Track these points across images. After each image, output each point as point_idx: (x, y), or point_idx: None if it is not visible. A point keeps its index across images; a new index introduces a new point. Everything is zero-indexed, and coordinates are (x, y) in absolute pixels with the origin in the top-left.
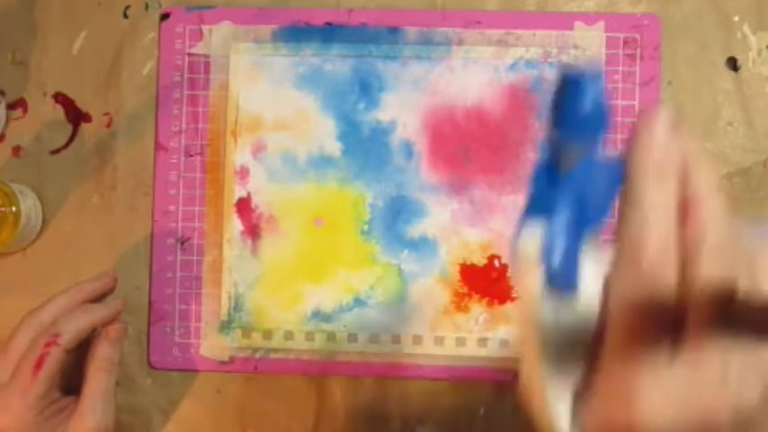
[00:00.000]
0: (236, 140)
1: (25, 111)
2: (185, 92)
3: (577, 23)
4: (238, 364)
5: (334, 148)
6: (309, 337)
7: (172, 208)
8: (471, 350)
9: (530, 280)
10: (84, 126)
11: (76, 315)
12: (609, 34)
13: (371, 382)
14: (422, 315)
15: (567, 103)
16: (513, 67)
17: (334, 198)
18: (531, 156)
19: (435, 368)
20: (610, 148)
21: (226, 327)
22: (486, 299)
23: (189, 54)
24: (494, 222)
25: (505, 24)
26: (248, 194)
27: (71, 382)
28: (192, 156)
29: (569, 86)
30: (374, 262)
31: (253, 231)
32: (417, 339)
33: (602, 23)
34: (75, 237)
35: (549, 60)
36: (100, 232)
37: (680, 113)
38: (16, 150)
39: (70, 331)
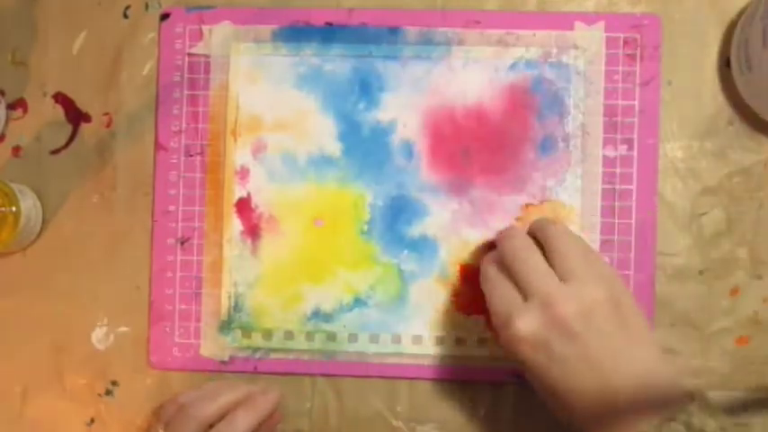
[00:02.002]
0: (236, 140)
1: (25, 111)
2: (185, 92)
3: (577, 23)
4: (238, 363)
5: (334, 148)
6: (309, 337)
7: (172, 208)
8: (471, 350)
9: None
10: (84, 126)
11: (248, 413)
12: (609, 34)
13: (371, 382)
14: (422, 315)
15: None
16: (512, 67)
17: (334, 198)
18: (531, 155)
19: (435, 368)
20: (610, 147)
21: (226, 327)
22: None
23: (189, 54)
24: (494, 222)
25: (505, 24)
26: (248, 194)
27: None
28: (191, 156)
29: None
30: (374, 262)
31: (253, 231)
32: (417, 339)
33: (602, 23)
34: (75, 237)
35: (549, 60)
36: (100, 232)
37: (680, 113)
38: (16, 150)
39: (243, 430)
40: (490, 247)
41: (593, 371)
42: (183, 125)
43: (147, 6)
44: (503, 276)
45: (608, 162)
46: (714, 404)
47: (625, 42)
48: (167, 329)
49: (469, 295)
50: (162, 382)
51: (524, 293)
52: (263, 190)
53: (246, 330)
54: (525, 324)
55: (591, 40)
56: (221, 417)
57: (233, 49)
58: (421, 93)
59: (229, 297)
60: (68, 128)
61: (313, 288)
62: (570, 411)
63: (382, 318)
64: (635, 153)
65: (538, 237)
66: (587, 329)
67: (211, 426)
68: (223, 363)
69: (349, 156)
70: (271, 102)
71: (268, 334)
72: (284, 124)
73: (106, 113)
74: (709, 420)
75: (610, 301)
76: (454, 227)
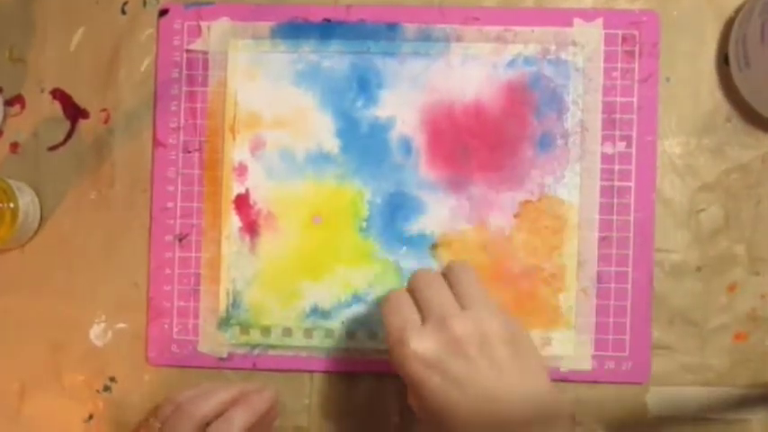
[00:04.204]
0: (234, 137)
1: (23, 107)
2: (183, 88)
3: (576, 20)
4: (237, 360)
5: (332, 144)
6: (308, 333)
7: (170, 204)
8: None
9: None
10: (81, 122)
11: (244, 411)
12: (607, 31)
13: (370, 378)
14: None
15: None
16: (511, 63)
17: (333, 195)
18: (529, 152)
19: None
20: (608, 144)
21: (224, 323)
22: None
23: (187, 50)
24: (492, 219)
25: (504, 21)
26: (246, 191)
27: None
28: (190, 152)
29: None
30: (373, 259)
31: (251, 228)
32: None
33: (600, 20)
34: (73, 233)
35: (548, 57)
36: (98, 229)
37: (678, 110)
38: (14, 147)
39: (239, 428)
40: None
41: (484, 396)
42: (182, 122)
43: (144, 3)
44: (406, 297)
45: (606, 159)
46: None
47: (623, 39)
48: (165, 326)
49: None
50: (160, 379)
51: (424, 316)
52: (261, 187)
53: (245, 327)
54: (421, 341)
55: (589, 37)
56: (217, 415)
57: (231, 45)
58: (419, 89)
59: (228, 294)
60: (66, 124)
61: (311, 285)
62: None
63: (381, 315)
64: (633, 150)
65: (445, 273)
66: (481, 355)
67: (208, 424)
68: (221, 359)
69: (347, 153)
70: (269, 98)
71: (266, 331)
72: (282, 121)
73: (104, 110)
74: None
75: (506, 332)
76: (452, 224)
